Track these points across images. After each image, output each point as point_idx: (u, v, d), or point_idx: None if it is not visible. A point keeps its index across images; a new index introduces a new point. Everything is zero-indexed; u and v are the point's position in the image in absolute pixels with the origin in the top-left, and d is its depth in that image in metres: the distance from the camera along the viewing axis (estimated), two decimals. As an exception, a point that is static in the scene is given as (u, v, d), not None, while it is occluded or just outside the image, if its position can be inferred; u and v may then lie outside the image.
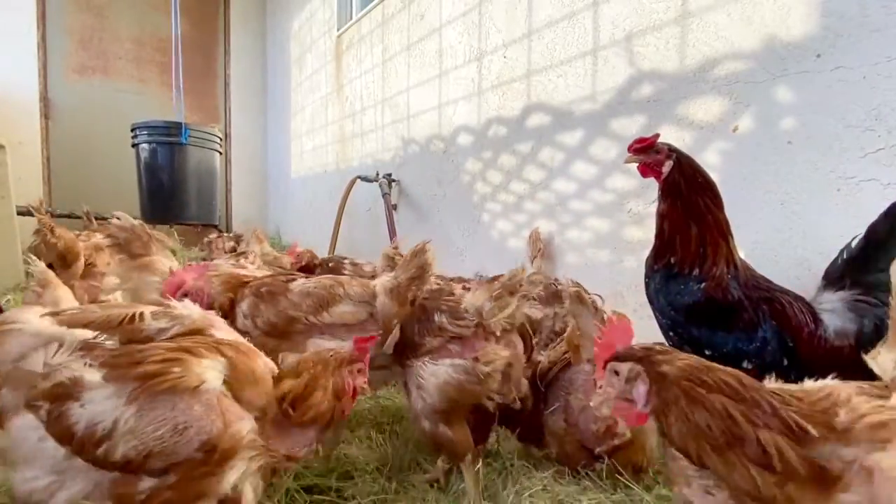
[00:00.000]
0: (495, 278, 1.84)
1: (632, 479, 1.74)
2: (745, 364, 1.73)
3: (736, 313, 1.76)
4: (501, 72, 3.88)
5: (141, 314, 1.25)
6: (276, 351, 1.76)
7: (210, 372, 1.17)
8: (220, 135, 6.38)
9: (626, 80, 2.93)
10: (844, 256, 1.74)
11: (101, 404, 1.09)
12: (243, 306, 2.01)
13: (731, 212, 2.32)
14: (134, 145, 5.86)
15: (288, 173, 8.51)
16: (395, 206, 5.16)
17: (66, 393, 1.10)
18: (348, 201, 5.49)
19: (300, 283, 2.07)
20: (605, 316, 1.83)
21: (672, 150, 1.86)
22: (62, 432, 1.09)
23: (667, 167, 1.84)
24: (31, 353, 1.21)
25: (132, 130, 5.84)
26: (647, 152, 1.87)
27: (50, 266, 2.56)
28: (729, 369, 1.03)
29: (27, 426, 1.14)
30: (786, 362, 1.70)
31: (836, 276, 1.76)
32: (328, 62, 6.89)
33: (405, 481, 1.87)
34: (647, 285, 1.95)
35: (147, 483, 1.10)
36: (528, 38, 3.61)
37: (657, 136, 1.89)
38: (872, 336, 1.60)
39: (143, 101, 8.07)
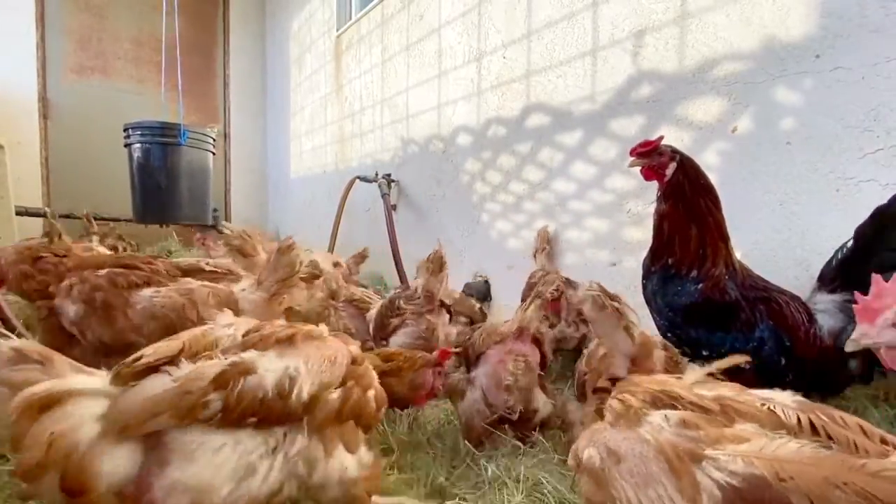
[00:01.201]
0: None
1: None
2: (742, 364, 1.73)
3: (733, 313, 1.77)
4: (501, 72, 3.88)
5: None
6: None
7: (322, 328, 1.46)
8: (214, 135, 6.36)
9: (626, 81, 2.93)
10: (838, 258, 1.75)
11: (274, 368, 1.24)
12: (69, 311, 1.72)
13: (730, 212, 2.33)
14: (127, 145, 5.85)
15: (287, 173, 8.51)
16: (394, 207, 5.16)
17: (239, 371, 1.19)
18: (347, 201, 5.49)
19: (147, 295, 1.76)
20: (637, 331, 1.65)
21: (675, 153, 1.87)
22: (246, 406, 1.17)
23: (670, 169, 1.85)
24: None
25: (125, 130, 5.82)
26: (650, 155, 1.87)
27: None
28: None
29: (213, 446, 1.15)
30: (783, 361, 1.71)
31: (830, 278, 1.77)
32: (327, 62, 6.89)
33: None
34: (645, 286, 1.95)
35: (335, 393, 1.34)
36: (527, 38, 3.61)
37: (661, 138, 1.89)
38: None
39: (142, 101, 8.06)
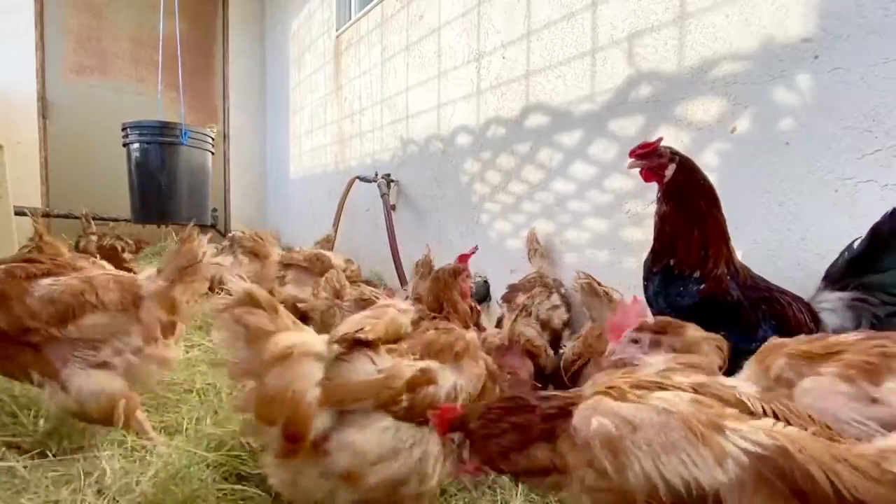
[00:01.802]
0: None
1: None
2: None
3: (736, 313, 1.77)
4: (500, 72, 3.88)
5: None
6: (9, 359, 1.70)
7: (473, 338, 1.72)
8: (213, 134, 6.36)
9: (625, 81, 2.93)
10: (846, 256, 1.74)
11: (448, 383, 1.51)
12: None
13: (729, 213, 2.33)
14: (125, 145, 5.84)
15: (287, 173, 8.51)
16: (393, 207, 5.16)
17: (426, 380, 1.47)
18: (347, 201, 5.49)
19: (45, 283, 1.83)
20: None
21: (674, 154, 1.87)
22: (423, 409, 1.41)
23: (670, 170, 1.86)
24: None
25: (123, 130, 5.81)
26: (649, 157, 1.87)
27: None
28: None
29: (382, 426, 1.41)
30: None
31: (837, 277, 1.77)
32: (327, 62, 6.89)
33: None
34: (646, 288, 1.95)
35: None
36: (526, 38, 3.61)
37: (660, 139, 1.89)
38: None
39: (141, 101, 8.05)
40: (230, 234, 6.08)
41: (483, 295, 3.96)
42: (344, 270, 3.65)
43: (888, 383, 0.94)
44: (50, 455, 1.91)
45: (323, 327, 3.01)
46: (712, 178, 2.52)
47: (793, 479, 0.81)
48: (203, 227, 7.25)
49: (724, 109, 2.47)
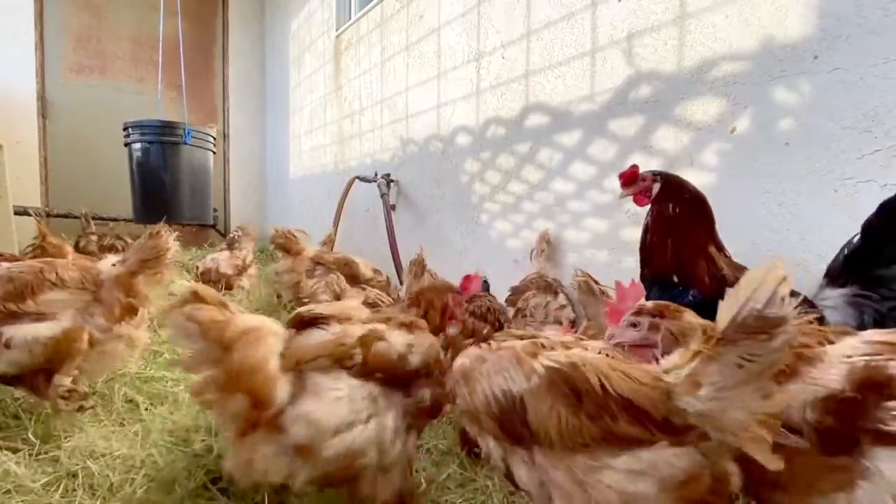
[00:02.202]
0: None
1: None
2: None
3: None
4: (500, 72, 3.88)
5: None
6: None
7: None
8: (214, 134, 6.36)
9: (625, 81, 2.93)
10: (845, 253, 1.75)
11: (399, 340, 1.59)
12: None
13: (728, 213, 2.33)
14: (127, 144, 5.83)
15: (286, 173, 8.51)
16: (393, 207, 5.16)
17: (375, 336, 1.55)
18: (347, 201, 5.49)
19: (3, 265, 2.01)
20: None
21: (657, 174, 1.96)
22: (377, 362, 1.50)
23: (655, 189, 1.94)
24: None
25: (124, 129, 5.80)
26: (634, 183, 1.97)
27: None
28: None
29: (336, 396, 1.44)
30: None
31: (837, 274, 1.77)
32: (327, 62, 6.89)
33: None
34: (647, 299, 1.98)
35: (421, 392, 1.61)
36: (526, 38, 3.61)
37: (635, 166, 1.99)
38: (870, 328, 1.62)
39: (141, 100, 8.05)
40: (230, 236, 6.11)
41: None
42: (369, 280, 3.71)
43: (789, 385, 1.06)
44: (44, 455, 1.92)
45: None
46: (712, 178, 2.53)
47: (573, 382, 1.16)
48: (204, 227, 7.26)
49: (723, 109, 2.47)
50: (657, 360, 1.27)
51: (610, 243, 3.06)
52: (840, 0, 2.06)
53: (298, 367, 1.44)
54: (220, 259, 4.86)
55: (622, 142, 2.96)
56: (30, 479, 1.74)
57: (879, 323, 1.63)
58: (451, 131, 4.45)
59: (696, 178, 2.61)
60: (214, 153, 6.39)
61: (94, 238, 5.05)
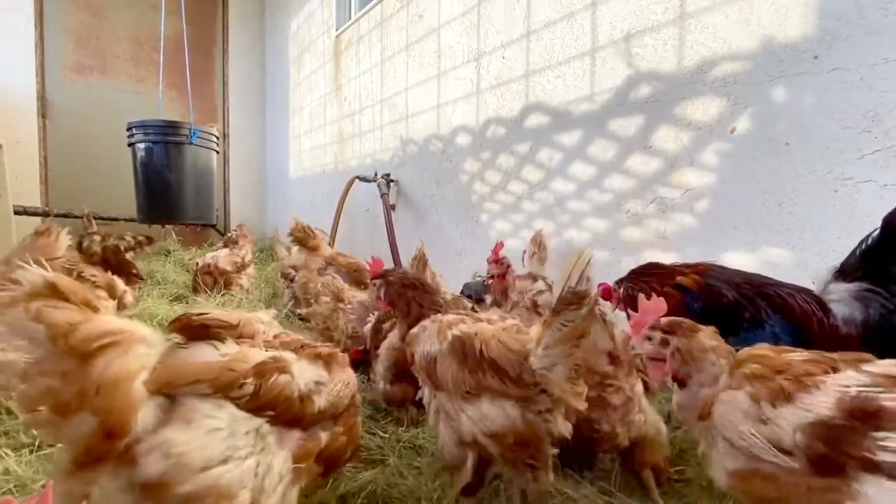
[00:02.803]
0: None
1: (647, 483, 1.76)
2: None
3: (736, 314, 1.76)
4: (500, 72, 3.88)
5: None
6: None
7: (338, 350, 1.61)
8: (218, 134, 6.36)
9: (625, 81, 2.93)
10: (862, 248, 1.74)
11: (306, 373, 1.39)
12: None
13: (728, 213, 2.34)
14: (130, 144, 5.83)
15: (286, 173, 8.51)
16: (393, 207, 5.16)
17: (277, 367, 1.32)
18: (347, 201, 5.48)
19: None
20: (617, 330, 1.82)
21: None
22: (272, 398, 1.28)
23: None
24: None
25: (128, 129, 5.81)
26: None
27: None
28: None
29: (212, 426, 1.19)
30: None
31: (851, 269, 1.74)
32: (327, 62, 6.89)
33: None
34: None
35: (324, 435, 1.42)
36: (526, 38, 3.61)
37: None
38: (879, 324, 1.63)
39: (141, 100, 8.05)
40: (228, 235, 6.12)
41: (482, 294, 3.96)
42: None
43: (783, 409, 1.08)
44: (46, 449, 1.92)
45: (325, 333, 3.01)
46: (712, 177, 2.54)
47: (464, 347, 1.52)
48: (204, 227, 7.25)
49: (723, 109, 2.47)
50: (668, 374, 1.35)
51: (610, 243, 3.06)
52: (840, 0, 2.06)
53: (170, 391, 1.16)
54: (220, 256, 4.87)
55: (622, 142, 2.96)
56: (30, 479, 1.74)
57: (885, 318, 1.63)
58: (451, 131, 4.45)
59: (696, 178, 2.62)
60: (218, 153, 6.39)
61: (97, 238, 5.04)
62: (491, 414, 1.44)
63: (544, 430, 1.44)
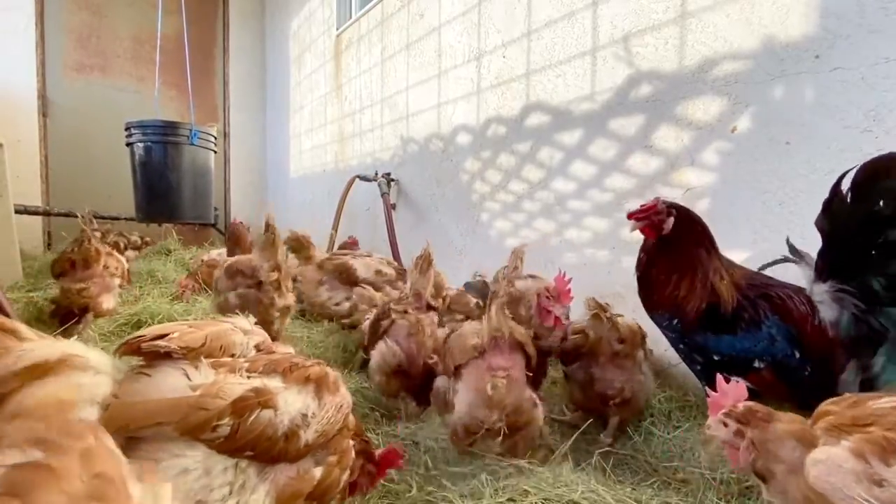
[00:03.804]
0: None
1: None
2: (756, 364, 1.73)
3: (736, 314, 1.76)
4: (500, 71, 3.88)
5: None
6: None
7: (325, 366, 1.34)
8: (216, 133, 6.36)
9: (625, 80, 2.93)
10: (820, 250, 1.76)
11: (292, 408, 1.16)
12: None
13: (729, 212, 2.33)
14: (129, 144, 5.84)
15: (287, 172, 8.51)
16: (393, 206, 5.16)
17: (259, 402, 1.10)
18: (347, 200, 5.49)
19: None
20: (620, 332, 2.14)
21: (671, 207, 1.87)
22: (251, 440, 1.08)
23: (668, 225, 1.86)
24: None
25: (126, 129, 5.81)
26: (649, 218, 1.88)
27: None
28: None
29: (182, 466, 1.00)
30: (797, 355, 1.69)
31: (819, 269, 1.76)
32: (327, 61, 6.89)
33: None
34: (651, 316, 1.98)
35: (317, 470, 1.23)
36: (527, 37, 3.61)
37: (657, 199, 1.89)
38: (850, 326, 1.64)
39: (141, 99, 8.05)
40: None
41: (483, 295, 3.96)
42: (370, 281, 3.74)
43: None
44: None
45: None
46: (713, 177, 2.54)
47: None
48: (204, 226, 7.25)
49: (724, 109, 2.47)
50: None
51: (610, 242, 3.06)
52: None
53: (126, 433, 0.95)
54: (225, 253, 4.85)
55: (623, 141, 2.96)
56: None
57: (858, 319, 1.63)
58: (452, 130, 4.45)
59: (696, 177, 2.61)
60: (216, 152, 6.39)
61: (97, 236, 5.05)
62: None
63: None
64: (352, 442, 1.38)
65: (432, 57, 4.68)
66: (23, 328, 0.94)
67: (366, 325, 2.69)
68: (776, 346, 1.71)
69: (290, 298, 2.83)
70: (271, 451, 1.12)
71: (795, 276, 1.88)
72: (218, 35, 9.08)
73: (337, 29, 6.53)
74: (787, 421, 1.20)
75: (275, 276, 2.70)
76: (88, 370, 0.96)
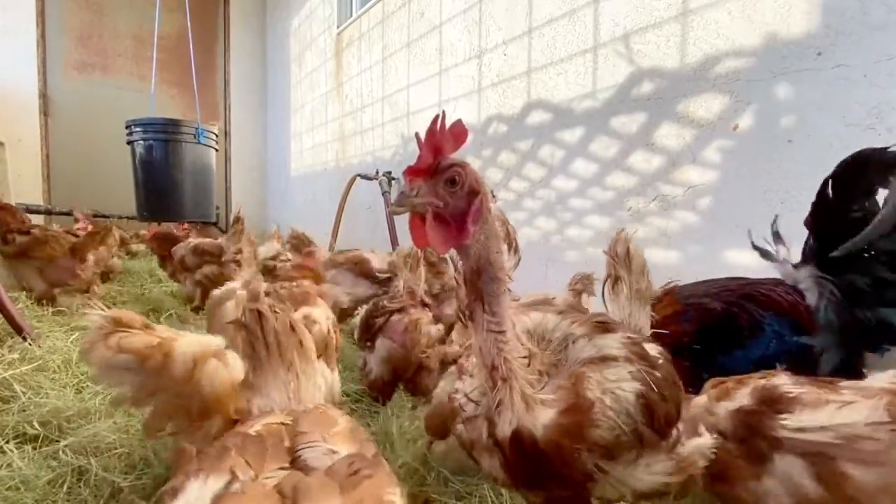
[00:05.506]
0: None
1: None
2: (778, 367, 1.68)
3: (732, 323, 1.69)
4: (502, 69, 3.87)
5: None
6: None
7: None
8: (217, 131, 6.36)
9: (627, 78, 2.92)
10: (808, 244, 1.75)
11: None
12: None
13: (731, 210, 2.33)
14: (130, 142, 5.84)
15: (287, 171, 8.51)
16: (394, 204, 5.15)
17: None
18: (348, 199, 5.48)
19: None
20: None
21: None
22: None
23: None
24: None
25: (127, 127, 5.81)
26: None
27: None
28: None
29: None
30: (807, 342, 1.63)
31: (805, 254, 1.75)
32: (328, 59, 6.88)
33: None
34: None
35: None
36: (528, 35, 3.60)
37: None
38: (837, 313, 1.63)
39: (142, 98, 8.03)
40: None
41: None
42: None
43: (724, 402, 1.31)
44: (49, 445, 1.92)
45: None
46: (714, 175, 2.53)
47: None
48: (206, 224, 7.25)
49: (726, 106, 2.46)
50: None
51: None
52: (844, -4, 2.05)
53: None
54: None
55: (624, 139, 2.95)
56: (34, 475, 1.75)
57: (835, 304, 1.62)
58: (453, 129, 4.44)
59: (698, 175, 2.61)
60: (217, 150, 6.39)
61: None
62: None
63: None
64: None
65: (433, 55, 4.67)
66: (145, 321, 1.28)
67: (356, 320, 2.72)
68: (784, 341, 1.64)
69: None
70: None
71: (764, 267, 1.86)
72: (219, 33, 9.07)
73: (338, 27, 6.53)
74: None
75: (237, 256, 3.30)
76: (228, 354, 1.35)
